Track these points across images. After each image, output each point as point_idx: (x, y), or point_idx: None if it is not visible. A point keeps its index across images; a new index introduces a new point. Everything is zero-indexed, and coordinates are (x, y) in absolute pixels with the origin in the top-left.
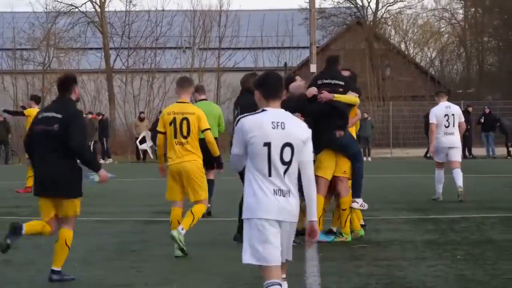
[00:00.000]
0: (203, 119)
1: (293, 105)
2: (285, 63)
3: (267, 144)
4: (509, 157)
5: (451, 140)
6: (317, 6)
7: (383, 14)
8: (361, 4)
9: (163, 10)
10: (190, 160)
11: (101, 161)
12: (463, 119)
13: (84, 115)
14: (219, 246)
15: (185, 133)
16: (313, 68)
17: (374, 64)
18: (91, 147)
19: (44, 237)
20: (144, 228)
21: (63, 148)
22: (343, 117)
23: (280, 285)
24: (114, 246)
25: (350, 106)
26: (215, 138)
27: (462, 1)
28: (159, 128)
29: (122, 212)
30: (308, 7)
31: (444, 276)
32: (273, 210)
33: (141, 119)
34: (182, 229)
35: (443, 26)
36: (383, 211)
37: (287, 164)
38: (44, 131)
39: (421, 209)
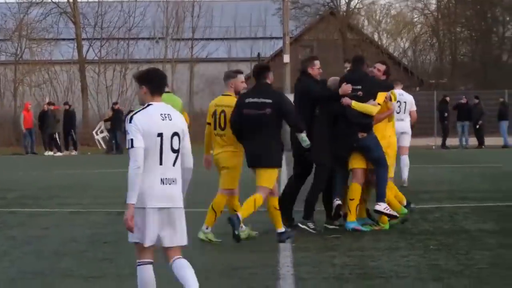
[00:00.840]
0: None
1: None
2: (258, 54)
3: (160, 135)
4: (483, 146)
5: (402, 125)
6: None
7: (356, 5)
8: None
9: (136, 1)
10: (226, 151)
11: (73, 152)
12: (415, 108)
13: (46, 106)
14: (192, 237)
15: (222, 125)
16: (286, 58)
17: (347, 55)
18: (57, 139)
19: (16, 229)
20: (117, 219)
21: (272, 127)
22: (367, 118)
23: (152, 263)
24: (86, 238)
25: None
26: None
27: None
28: (207, 119)
29: (94, 203)
30: None
31: (416, 265)
32: (162, 199)
33: (114, 110)
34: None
35: (416, 16)
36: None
37: (177, 152)
38: (256, 114)
39: None
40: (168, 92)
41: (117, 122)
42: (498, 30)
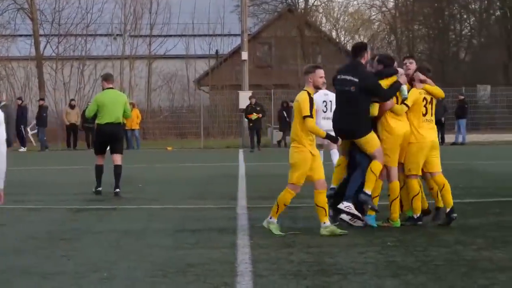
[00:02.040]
0: (303, 106)
1: None
2: (217, 51)
3: None
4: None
5: (329, 123)
6: None
7: (314, 2)
8: None
9: None
10: (292, 146)
11: (21, 149)
12: None
13: (4, 102)
14: (150, 234)
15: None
16: (244, 55)
17: (305, 52)
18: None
19: None
20: (75, 216)
21: (355, 104)
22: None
23: None
24: (45, 234)
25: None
26: (119, 123)
27: None
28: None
29: (52, 200)
30: None
31: (374, 262)
32: None
33: (72, 107)
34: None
35: (374, 14)
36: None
37: None
38: (342, 91)
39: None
40: (111, 88)
41: (40, 119)
42: (456, 28)
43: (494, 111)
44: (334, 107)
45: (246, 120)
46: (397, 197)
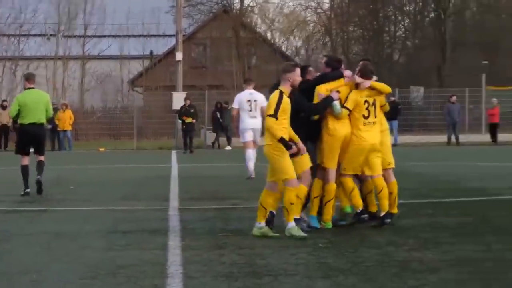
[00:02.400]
0: (270, 105)
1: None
2: (151, 51)
3: None
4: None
5: (254, 122)
6: None
7: (249, 3)
8: None
9: None
10: (266, 143)
11: None
12: (265, 105)
13: None
14: (82, 236)
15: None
16: (179, 56)
17: (240, 53)
18: None
19: None
20: (5, 218)
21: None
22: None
23: None
24: None
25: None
26: (42, 124)
27: None
28: None
29: None
30: None
31: (305, 263)
32: None
33: (3, 107)
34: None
35: (309, 15)
36: (246, 199)
37: None
38: None
39: None
40: (32, 88)
41: None
42: (390, 29)
43: (427, 112)
44: (258, 106)
45: (179, 121)
46: (332, 199)
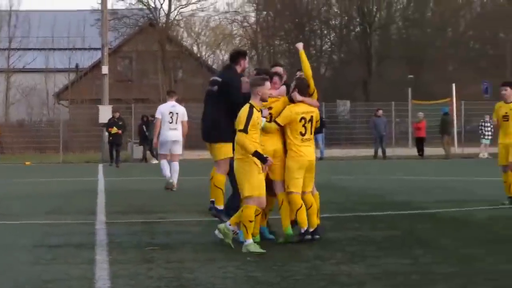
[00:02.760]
0: (240, 120)
1: None
2: (77, 64)
3: None
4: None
5: (175, 134)
6: (109, 7)
7: (175, 16)
8: (153, 6)
9: None
10: (236, 157)
11: None
12: (186, 119)
13: None
14: (7, 250)
15: None
16: (104, 69)
17: (166, 66)
18: None
19: None
20: None
21: (216, 104)
22: None
23: None
24: None
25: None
26: None
27: (254, 5)
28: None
29: None
30: (100, 8)
31: (233, 277)
32: None
33: None
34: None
35: (235, 29)
36: (174, 213)
37: None
38: (207, 90)
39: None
40: None
41: None
42: (316, 43)
43: (353, 126)
44: (180, 119)
45: (106, 133)
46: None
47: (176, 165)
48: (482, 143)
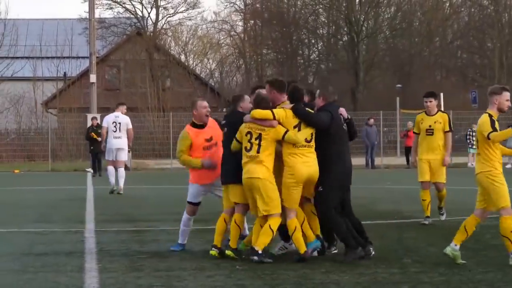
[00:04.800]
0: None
1: None
2: (65, 73)
3: None
4: None
5: (119, 142)
6: (97, 16)
7: (163, 25)
8: (141, 14)
9: None
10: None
11: None
12: (130, 127)
13: None
14: (0, 258)
15: None
16: (92, 78)
17: (154, 75)
18: None
19: None
20: None
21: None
22: None
23: None
24: None
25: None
26: None
27: (241, 14)
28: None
29: None
30: (87, 17)
31: (223, 286)
32: None
33: None
34: None
35: (222, 38)
36: (162, 222)
37: None
38: None
39: (201, 220)
40: None
41: None
42: (304, 52)
43: None
44: (123, 127)
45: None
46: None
47: (121, 170)
48: (470, 153)
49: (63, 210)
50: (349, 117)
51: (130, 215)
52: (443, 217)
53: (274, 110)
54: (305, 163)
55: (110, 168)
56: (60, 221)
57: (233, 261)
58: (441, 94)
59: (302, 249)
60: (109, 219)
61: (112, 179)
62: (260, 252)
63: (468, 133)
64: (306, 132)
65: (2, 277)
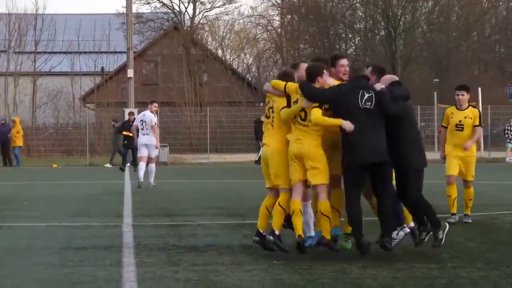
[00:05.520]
0: None
1: None
2: (102, 68)
3: None
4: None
5: (146, 138)
6: (134, 10)
7: (200, 20)
8: (178, 9)
9: None
10: None
11: None
12: (154, 124)
13: None
14: (35, 252)
15: None
16: (130, 73)
17: (191, 70)
18: None
19: None
20: None
21: None
22: None
23: None
24: None
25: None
26: None
27: (278, 8)
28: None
29: None
30: (125, 12)
31: (260, 280)
32: None
33: None
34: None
35: (259, 32)
36: (200, 216)
37: None
38: None
39: (238, 214)
40: None
41: None
42: (341, 47)
43: None
44: (148, 125)
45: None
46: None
47: (151, 166)
48: (508, 147)
49: (101, 204)
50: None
51: (168, 209)
52: (453, 220)
53: (288, 83)
54: (297, 141)
55: (141, 164)
56: (98, 215)
57: (271, 255)
58: (479, 89)
59: (297, 232)
60: (147, 213)
61: (141, 174)
62: (277, 233)
63: (507, 128)
64: (296, 109)
65: (41, 271)
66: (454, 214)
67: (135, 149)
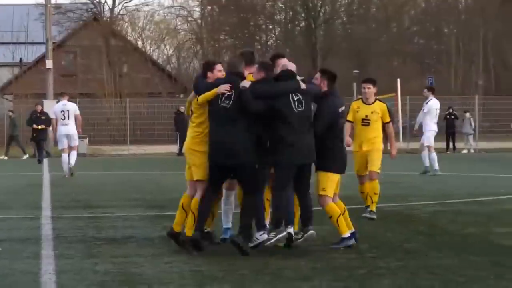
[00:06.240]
0: None
1: None
2: (21, 59)
3: None
4: None
5: (67, 128)
6: (53, 1)
7: (120, 11)
8: (97, 0)
9: None
10: None
11: None
12: (78, 113)
13: None
14: None
15: None
16: (49, 64)
17: (111, 61)
18: None
19: None
20: None
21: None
22: None
23: None
24: None
25: None
26: None
27: None
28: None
29: None
30: (44, 2)
31: (180, 272)
32: None
33: None
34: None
35: (180, 23)
36: (119, 208)
37: None
38: None
39: (158, 206)
40: None
41: None
42: (261, 38)
43: None
44: (71, 114)
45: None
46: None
47: (74, 153)
48: (470, 139)
49: (19, 196)
50: None
51: (87, 201)
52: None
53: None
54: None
55: (64, 156)
56: (16, 208)
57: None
58: (398, 80)
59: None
60: (66, 205)
61: (65, 167)
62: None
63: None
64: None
65: None
66: (368, 206)
67: (43, 141)
